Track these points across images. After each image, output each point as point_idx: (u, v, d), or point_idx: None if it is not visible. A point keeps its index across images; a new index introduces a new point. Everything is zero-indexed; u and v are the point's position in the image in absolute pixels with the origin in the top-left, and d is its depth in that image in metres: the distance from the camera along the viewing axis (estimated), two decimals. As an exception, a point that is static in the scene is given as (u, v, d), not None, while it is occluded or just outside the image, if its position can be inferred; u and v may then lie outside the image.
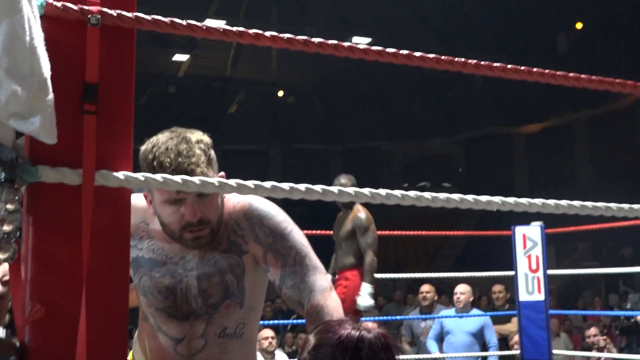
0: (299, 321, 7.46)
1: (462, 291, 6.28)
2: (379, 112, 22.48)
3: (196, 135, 1.88)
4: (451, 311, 6.50)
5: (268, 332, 5.94)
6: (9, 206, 1.24)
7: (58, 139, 1.29)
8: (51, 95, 1.27)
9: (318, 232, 5.42)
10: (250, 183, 1.39)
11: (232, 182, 1.40)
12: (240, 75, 21.40)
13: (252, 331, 2.00)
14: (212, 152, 1.89)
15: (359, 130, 22.27)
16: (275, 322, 8.69)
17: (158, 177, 1.36)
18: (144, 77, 20.73)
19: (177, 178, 1.38)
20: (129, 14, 1.37)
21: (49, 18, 1.33)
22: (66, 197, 1.31)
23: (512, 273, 5.53)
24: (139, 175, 1.35)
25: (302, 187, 1.43)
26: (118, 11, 1.36)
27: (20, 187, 1.27)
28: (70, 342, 1.27)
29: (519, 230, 5.49)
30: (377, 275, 6.68)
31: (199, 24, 1.44)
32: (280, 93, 22.47)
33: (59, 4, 1.33)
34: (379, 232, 5.72)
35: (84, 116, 1.32)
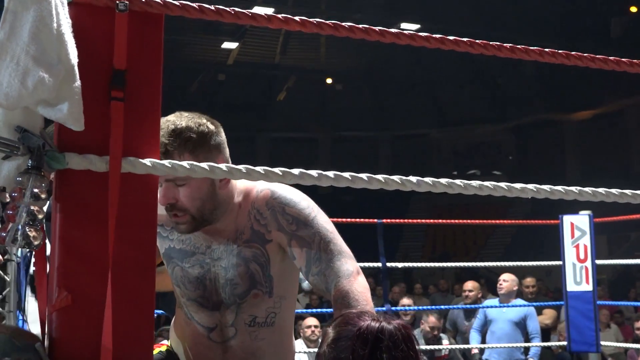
0: (380, 308, 7.47)
1: (506, 279, 6.20)
2: (428, 99, 22.30)
3: (187, 119, 1.82)
4: (495, 301, 6.42)
5: (312, 321, 5.93)
6: (37, 192, 1.24)
7: (86, 125, 1.29)
8: (78, 82, 1.27)
9: (365, 220, 5.36)
10: (261, 169, 1.37)
11: (259, 169, 1.39)
12: (288, 62, 21.40)
13: (285, 320, 1.99)
14: (207, 139, 1.81)
15: (408, 117, 22.12)
16: (320, 310, 8.70)
17: (185, 164, 1.36)
18: (194, 65, 20.89)
19: (204, 165, 1.37)
20: (157, 0, 1.36)
21: (77, 4, 1.33)
22: (93, 184, 1.31)
23: (559, 263, 5.43)
24: (166, 162, 1.34)
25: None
26: (146, -3, 1.35)
27: (48, 174, 1.28)
28: (96, 329, 1.27)
29: (567, 219, 5.39)
30: (425, 264, 6.62)
31: (227, 9, 1.42)
32: (329, 80, 22.42)
33: (87, -9, 1.33)
34: (428, 221, 5.65)
35: (112, 103, 1.32)
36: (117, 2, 1.33)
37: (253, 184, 1.92)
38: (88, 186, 1.31)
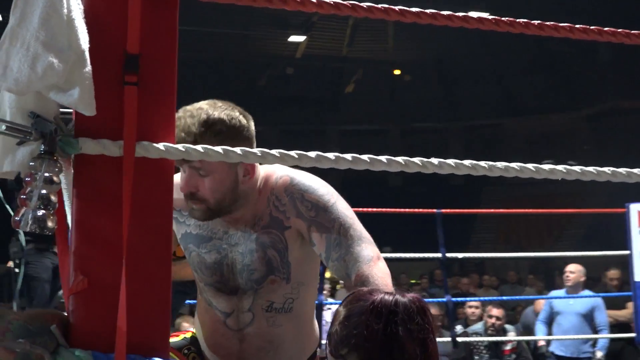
0: (438, 299, 7.39)
1: (572, 270, 6.04)
2: (499, 89, 21.95)
3: (220, 110, 1.81)
4: (562, 292, 6.27)
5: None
6: (49, 177, 1.25)
7: (99, 110, 1.29)
8: (89, 67, 1.27)
9: (424, 210, 5.30)
10: (276, 152, 1.34)
11: (275, 152, 1.37)
12: (356, 54, 21.36)
13: (304, 306, 1.97)
14: (238, 133, 1.81)
15: (479, 107, 21.82)
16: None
17: (199, 147, 1.35)
18: (262, 59, 21.05)
19: (219, 148, 1.36)
20: (172, -17, 1.36)
21: (91, -10, 1.33)
22: (107, 169, 1.31)
23: (627, 252, 5.27)
24: (180, 146, 1.33)
25: (348, 156, 1.38)
26: (160, -20, 1.35)
27: (61, 159, 1.29)
28: (111, 313, 1.27)
29: (634, 208, 5.22)
30: (498, 255, 6.48)
31: None
32: (397, 72, 22.29)
33: (100, -25, 1.33)
34: (503, 210, 5.51)
35: (125, 87, 1.32)
36: None
37: (273, 170, 1.91)
38: (102, 171, 1.31)
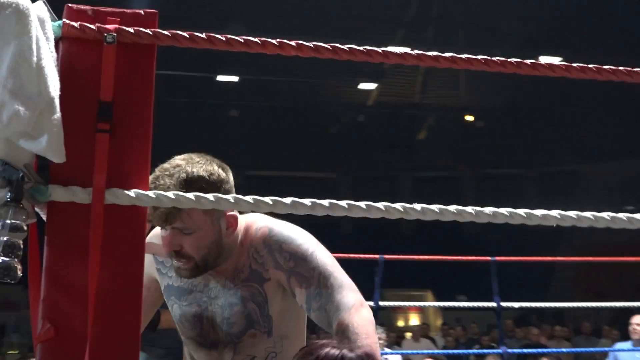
0: (484, 351, 7.22)
1: (638, 322, 5.76)
2: (576, 133, 21.49)
3: (199, 167, 1.79)
4: (628, 344, 5.97)
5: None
6: (17, 224, 1.25)
7: (72, 157, 1.30)
8: (58, 115, 1.28)
9: (478, 258, 5.17)
10: (250, 198, 1.32)
11: (249, 198, 1.35)
12: (428, 101, 21.31)
13: None
14: (217, 188, 1.77)
15: (555, 152, 21.41)
16: (457, 351, 8.48)
17: (170, 194, 1.33)
18: (334, 107, 21.20)
19: (190, 195, 1.34)
20: (147, 30, 1.36)
21: (67, 39, 1.34)
22: (78, 216, 1.30)
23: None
24: (151, 193, 1.32)
25: (326, 202, 1.34)
26: (136, 28, 1.35)
27: (28, 206, 1.29)
28: (78, 362, 1.26)
29: None
30: (576, 304, 6.14)
31: (222, 37, 1.39)
32: (469, 117, 22.11)
33: (76, 24, 1.34)
34: (581, 258, 5.30)
35: (97, 134, 1.32)
36: (105, 34, 1.34)
37: (253, 220, 1.87)
38: (73, 218, 1.31)
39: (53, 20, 1.34)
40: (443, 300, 11.08)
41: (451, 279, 14.98)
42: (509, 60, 1.42)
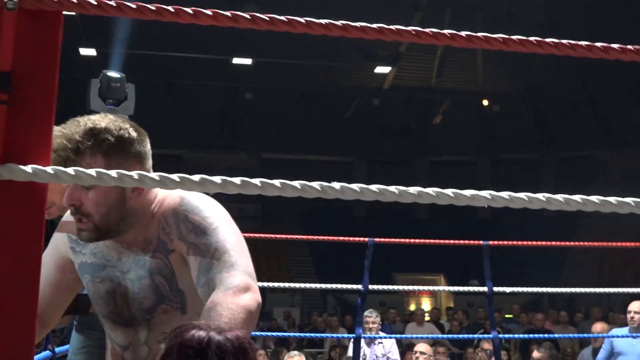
0: (484, 336, 7.18)
1: (637, 310, 5.64)
2: (594, 119, 21.31)
3: (108, 121, 1.70)
4: (624, 330, 5.85)
5: (423, 347, 5.67)
6: None
7: (-30, 130, 1.24)
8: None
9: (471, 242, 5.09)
10: (176, 176, 1.24)
11: (175, 176, 1.27)
12: (444, 85, 21.18)
13: None
14: (126, 145, 1.69)
15: (572, 138, 21.24)
16: (459, 336, 8.43)
17: (70, 170, 1.27)
18: (349, 91, 21.12)
19: (92, 171, 1.27)
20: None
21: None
22: (-25, 193, 1.25)
23: None
24: (49, 169, 1.26)
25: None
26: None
27: None
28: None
29: None
30: (590, 290, 6.01)
31: (228, 14, 1.30)
32: (485, 102, 21.97)
33: (-23, -10, 1.28)
34: (596, 244, 5.28)
35: (-7, 106, 1.26)
36: (5, 0, 1.27)
37: (170, 192, 1.79)
38: (-29, 195, 1.26)
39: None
40: (455, 285, 11.04)
41: (464, 264, 14.91)
42: (529, 39, 1.35)
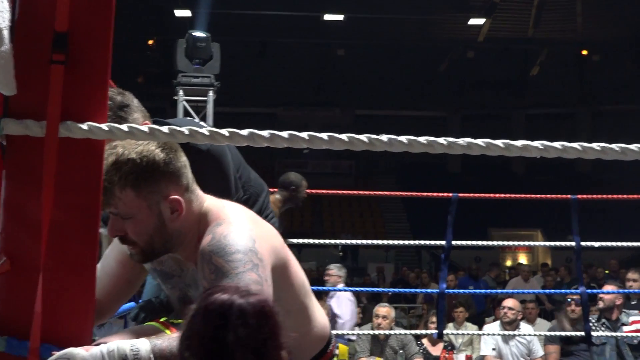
0: (573, 291, 6.99)
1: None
2: (703, 67, 20.24)
3: (130, 150, 1.64)
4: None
5: (511, 302, 5.58)
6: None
7: (25, 90, 1.28)
8: (6, 46, 1.25)
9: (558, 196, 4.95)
10: (206, 130, 1.26)
11: (204, 131, 1.30)
12: (542, 35, 20.47)
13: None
14: (152, 171, 1.64)
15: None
16: (546, 291, 8.28)
17: (124, 127, 1.29)
18: (443, 43, 20.71)
19: (144, 128, 1.30)
20: (104, -43, 1.31)
21: (22, -31, 1.31)
22: (33, 149, 1.29)
23: None
24: (104, 126, 1.29)
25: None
26: (93, -45, 1.31)
27: None
28: (33, 298, 1.25)
29: None
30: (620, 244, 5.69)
31: None
32: (585, 52, 21.14)
33: (31, -47, 1.31)
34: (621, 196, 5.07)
35: (52, 66, 1.29)
36: None
37: (216, 214, 1.71)
38: (28, 152, 1.30)
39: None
40: (553, 240, 10.79)
41: (562, 220, 14.52)
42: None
